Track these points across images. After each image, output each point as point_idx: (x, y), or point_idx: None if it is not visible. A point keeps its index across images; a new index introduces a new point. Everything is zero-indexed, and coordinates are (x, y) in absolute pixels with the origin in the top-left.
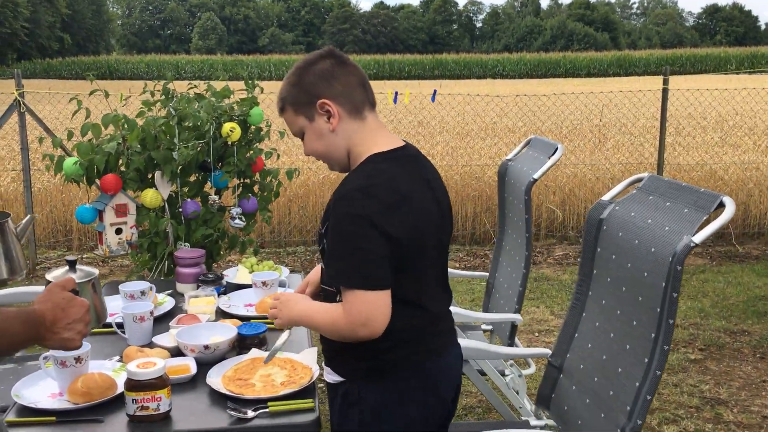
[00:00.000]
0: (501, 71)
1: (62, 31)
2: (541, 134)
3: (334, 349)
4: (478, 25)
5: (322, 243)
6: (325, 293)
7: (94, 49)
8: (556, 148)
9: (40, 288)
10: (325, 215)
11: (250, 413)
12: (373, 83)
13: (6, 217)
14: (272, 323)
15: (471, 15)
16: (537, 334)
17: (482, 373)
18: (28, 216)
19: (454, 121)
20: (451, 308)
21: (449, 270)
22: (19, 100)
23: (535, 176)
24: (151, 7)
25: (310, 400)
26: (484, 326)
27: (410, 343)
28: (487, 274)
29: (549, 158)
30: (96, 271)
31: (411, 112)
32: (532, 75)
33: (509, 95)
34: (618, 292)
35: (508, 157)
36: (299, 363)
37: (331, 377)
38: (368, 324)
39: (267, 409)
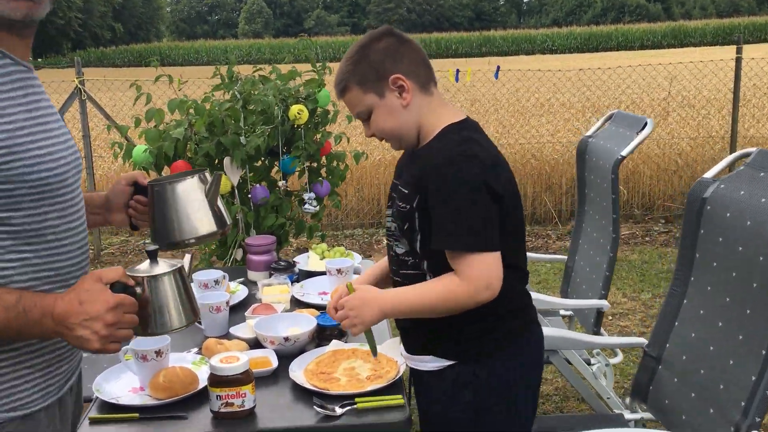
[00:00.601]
0: (550, 46)
1: (114, 20)
2: (598, 110)
3: (439, 334)
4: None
5: (408, 221)
6: (407, 279)
7: (145, 36)
8: (645, 123)
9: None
10: (413, 189)
11: (338, 410)
12: None
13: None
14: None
15: None
16: (611, 318)
17: (567, 362)
18: (216, 174)
19: (507, 99)
20: (532, 293)
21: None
22: (80, 88)
23: (623, 153)
24: None
25: (400, 396)
26: (562, 311)
27: (516, 311)
28: (565, 257)
29: (637, 134)
30: (180, 263)
31: (461, 91)
32: (583, 49)
33: (567, 69)
34: (727, 277)
35: (588, 133)
36: (383, 355)
37: (434, 364)
38: (490, 286)
39: (355, 406)
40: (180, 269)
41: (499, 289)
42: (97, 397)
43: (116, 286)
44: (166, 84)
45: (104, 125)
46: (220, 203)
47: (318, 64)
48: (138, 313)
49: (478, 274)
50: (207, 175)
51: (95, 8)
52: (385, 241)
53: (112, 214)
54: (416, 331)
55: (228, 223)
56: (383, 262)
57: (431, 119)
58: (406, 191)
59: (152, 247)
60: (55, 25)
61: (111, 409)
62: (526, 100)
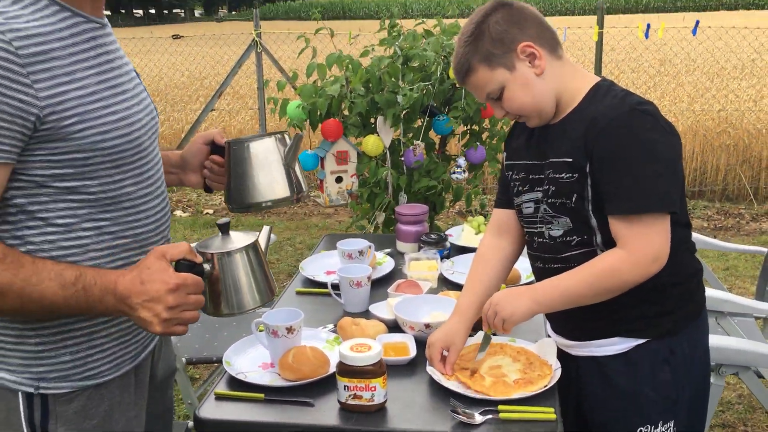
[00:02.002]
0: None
1: None
2: None
3: (631, 312)
4: None
5: (577, 191)
6: (574, 262)
7: None
8: None
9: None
10: (580, 154)
11: (478, 417)
12: (611, 18)
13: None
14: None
15: None
16: None
17: (759, 375)
18: (297, 134)
19: (702, 58)
20: (721, 294)
21: (714, 240)
22: (256, 41)
23: None
24: None
25: (552, 410)
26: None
27: (696, 273)
28: (764, 249)
29: None
30: (254, 237)
31: (649, 49)
32: None
33: None
34: None
35: None
36: (536, 356)
37: (622, 345)
38: (660, 256)
39: (498, 415)
40: (254, 245)
41: (667, 259)
42: (225, 371)
43: (181, 265)
44: (338, 37)
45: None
46: (297, 168)
47: None
48: (208, 291)
49: (649, 242)
50: (287, 136)
51: None
52: (526, 231)
53: (188, 175)
54: (611, 309)
55: (304, 189)
56: (482, 271)
57: (570, 84)
58: (569, 159)
59: (224, 221)
60: None
61: (238, 385)
62: (725, 61)
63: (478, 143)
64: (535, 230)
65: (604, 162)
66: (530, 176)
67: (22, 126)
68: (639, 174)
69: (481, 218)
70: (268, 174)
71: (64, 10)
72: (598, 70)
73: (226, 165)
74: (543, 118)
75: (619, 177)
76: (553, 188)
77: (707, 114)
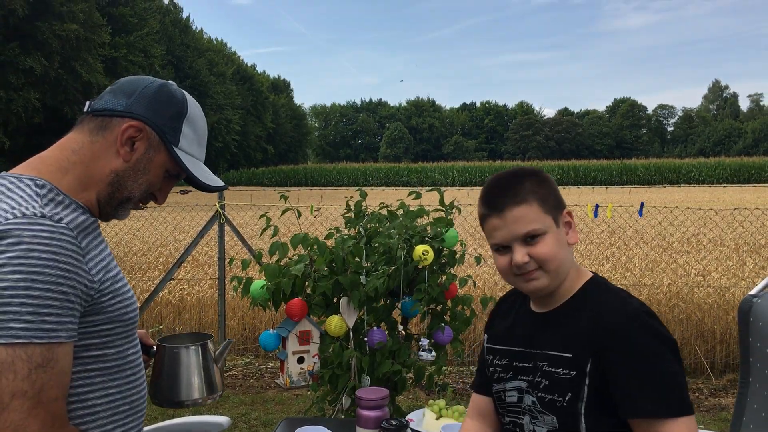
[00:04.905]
0: (697, 176)
1: (266, 143)
2: (754, 249)
3: None
4: (670, 129)
5: (572, 390)
6: None
7: (293, 158)
8: None
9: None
10: (583, 352)
11: None
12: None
13: (207, 339)
14: None
15: (661, 119)
16: None
17: None
18: (227, 340)
19: (649, 233)
20: None
21: None
22: (219, 212)
23: None
24: (344, 120)
25: None
26: None
27: None
28: None
29: None
30: (207, 340)
31: (597, 223)
32: (732, 180)
33: (720, 209)
34: None
35: (752, 292)
36: None
37: None
38: None
39: None
40: (200, 346)
41: None
42: None
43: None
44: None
45: (241, 247)
46: (218, 371)
47: (447, 204)
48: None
49: None
50: (210, 343)
51: (251, 132)
52: (508, 419)
53: None
54: None
55: (221, 390)
56: None
57: (574, 269)
58: (569, 355)
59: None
60: (215, 147)
61: None
62: (670, 235)
63: (445, 324)
64: (518, 421)
65: (612, 364)
66: (514, 363)
67: (80, 305)
68: (664, 377)
69: (442, 402)
70: (194, 376)
71: (86, 211)
72: None
73: (156, 364)
74: (552, 285)
75: (641, 379)
76: (546, 382)
77: (658, 288)
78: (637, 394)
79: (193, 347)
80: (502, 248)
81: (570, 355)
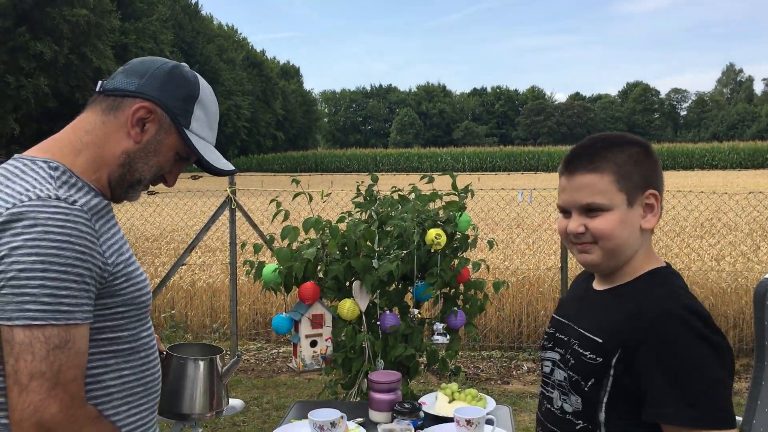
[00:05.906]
0: (710, 161)
1: (276, 129)
2: None
3: None
4: (682, 113)
5: (595, 376)
6: None
7: (303, 144)
8: None
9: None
10: (613, 340)
11: None
12: None
13: (217, 353)
14: None
15: (674, 103)
16: None
17: None
18: (236, 356)
19: (663, 219)
20: None
21: None
22: (230, 197)
23: None
24: (354, 105)
25: None
26: None
27: None
28: (740, 419)
29: None
30: (216, 354)
31: None
32: (746, 165)
33: (734, 193)
34: None
35: None
36: None
37: None
38: None
39: None
40: (208, 360)
41: None
42: None
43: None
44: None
45: (252, 232)
46: (222, 388)
47: (461, 189)
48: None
49: None
50: (218, 359)
51: (261, 118)
52: (540, 390)
53: None
54: None
55: (221, 408)
56: None
57: (642, 254)
58: (599, 340)
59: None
60: (225, 134)
61: None
62: (683, 219)
63: (457, 308)
64: (547, 393)
65: (641, 359)
66: (556, 334)
67: (95, 287)
68: (701, 385)
69: (454, 385)
70: (198, 390)
71: (99, 194)
72: None
73: (162, 372)
74: (610, 264)
75: (672, 384)
76: (573, 362)
77: None
78: (665, 398)
79: (202, 361)
80: (564, 211)
81: (600, 341)
